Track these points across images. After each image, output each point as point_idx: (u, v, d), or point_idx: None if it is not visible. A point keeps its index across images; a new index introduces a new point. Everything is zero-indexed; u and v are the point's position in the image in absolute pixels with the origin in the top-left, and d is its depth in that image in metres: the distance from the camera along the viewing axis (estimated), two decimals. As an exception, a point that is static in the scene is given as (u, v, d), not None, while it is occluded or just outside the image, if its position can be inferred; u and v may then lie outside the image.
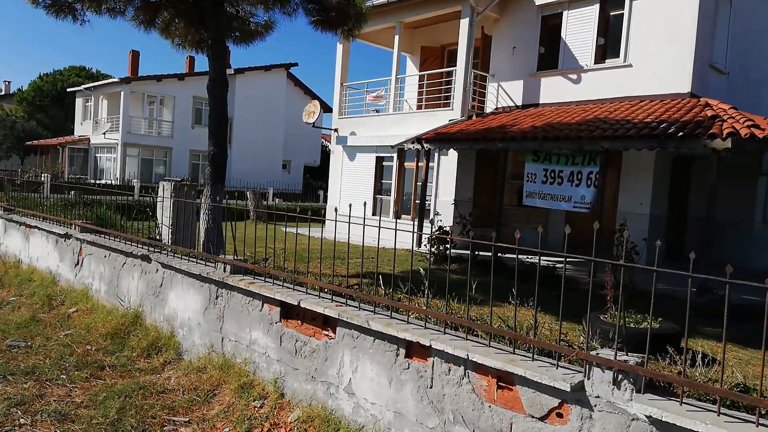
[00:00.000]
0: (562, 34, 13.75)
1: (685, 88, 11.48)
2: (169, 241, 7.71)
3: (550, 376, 2.80)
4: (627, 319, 4.90)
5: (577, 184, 10.11)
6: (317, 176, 41.96)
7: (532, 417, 2.90)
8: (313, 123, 19.14)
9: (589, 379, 2.73)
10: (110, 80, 34.70)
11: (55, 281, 7.88)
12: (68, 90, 39.95)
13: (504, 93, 15.03)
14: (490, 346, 3.21)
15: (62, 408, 4.31)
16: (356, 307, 4.06)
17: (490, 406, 3.08)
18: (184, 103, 34.43)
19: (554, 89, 13.79)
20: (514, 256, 3.20)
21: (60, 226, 8.04)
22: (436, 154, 14.22)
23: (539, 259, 3.08)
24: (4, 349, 5.58)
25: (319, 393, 4.10)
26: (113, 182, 28.90)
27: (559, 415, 2.80)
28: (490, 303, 3.37)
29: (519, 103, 14.54)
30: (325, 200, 28.42)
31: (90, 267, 7.30)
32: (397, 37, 16.51)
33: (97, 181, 28.29)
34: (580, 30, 13.46)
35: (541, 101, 14.04)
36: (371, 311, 3.95)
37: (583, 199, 9.97)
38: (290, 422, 4.01)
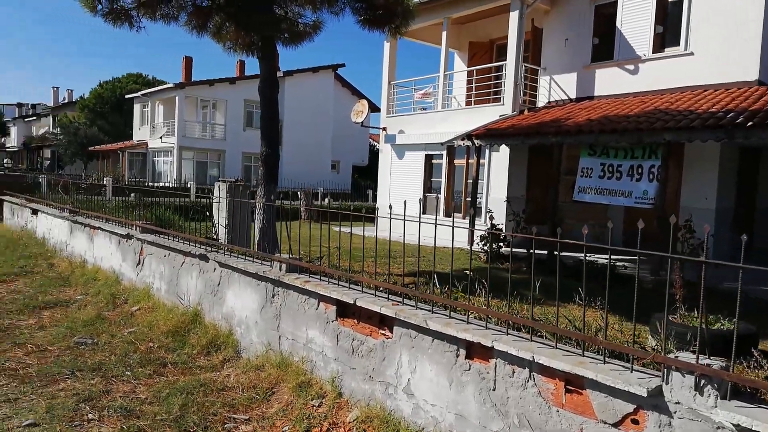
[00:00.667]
0: (618, 24, 13.26)
1: (752, 76, 10.86)
2: (225, 241, 7.85)
3: (624, 380, 2.65)
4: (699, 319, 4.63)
5: (638, 179, 9.71)
6: (365, 175, 42.15)
7: (605, 423, 2.76)
8: (362, 122, 19.19)
9: (667, 384, 2.56)
10: (165, 86, 35.85)
11: (118, 280, 8.16)
12: (126, 96, 41.57)
13: (556, 86, 14.63)
14: (556, 348, 3.08)
15: (127, 404, 4.42)
16: (413, 306, 3.99)
17: (558, 411, 2.95)
18: (235, 106, 35.23)
19: (610, 81, 13.33)
20: (570, 254, 3.06)
21: (122, 227, 8.33)
22: (487, 151, 13.98)
23: (609, 258, 2.92)
24: (72, 345, 5.80)
25: (378, 393, 4.06)
26: (170, 184, 29.88)
27: (635, 422, 2.65)
28: (556, 303, 3.24)
29: (572, 96, 14.12)
30: (374, 199, 28.47)
31: (151, 266, 7.52)
32: (444, 33, 16.33)
33: (156, 184, 29.30)
34: (636, 18, 12.95)
35: (595, 93, 13.59)
36: (429, 311, 3.88)
37: (645, 195, 9.57)
38: (349, 422, 3.97)
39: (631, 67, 12.95)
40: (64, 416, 4.16)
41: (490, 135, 12.18)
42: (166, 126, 35.02)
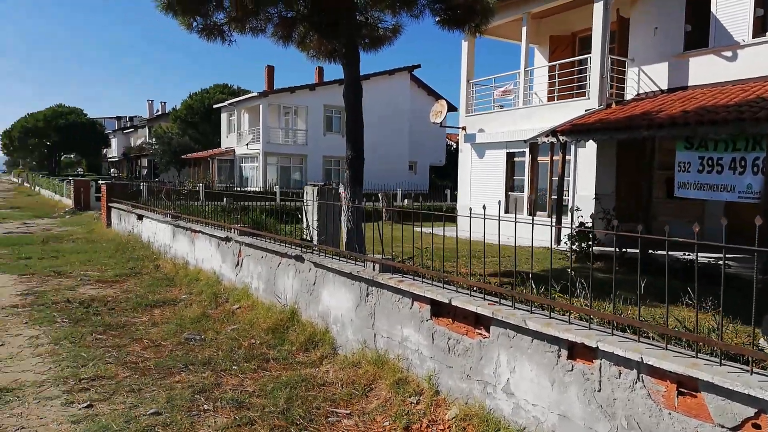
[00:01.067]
0: (712, 9, 12.51)
1: None
2: (316, 242, 8.15)
3: (744, 382, 2.56)
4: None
5: (741, 172, 9.12)
6: (443, 175, 42.05)
7: (722, 427, 2.66)
8: (441, 122, 19.20)
9: (792, 387, 2.45)
10: (250, 95, 37.48)
11: (218, 280, 8.68)
12: (214, 106, 43.83)
13: (645, 77, 14.00)
14: (667, 349, 3.00)
15: (237, 396, 4.73)
16: (510, 306, 4.01)
17: (669, 413, 2.88)
18: (315, 111, 36.26)
19: (705, 69, 12.59)
20: (670, 252, 2.96)
21: (221, 230, 8.85)
22: (573, 147, 13.60)
23: (724, 257, 2.82)
24: (182, 341, 6.24)
25: (476, 392, 4.10)
26: (256, 189, 31.16)
27: (756, 426, 2.55)
28: (666, 303, 3.16)
29: (663, 87, 13.46)
30: (452, 199, 28.34)
31: (249, 267, 7.94)
32: (524, 29, 16.05)
33: (243, 189, 30.70)
34: (733, 2, 12.16)
35: (689, 83, 12.89)
36: (527, 310, 3.88)
37: (750, 189, 8.98)
38: (448, 419, 4.05)
39: (729, 53, 12.17)
40: (182, 406, 4.51)
41: (577, 131, 11.85)
42: (252, 133, 36.61)
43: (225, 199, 14.22)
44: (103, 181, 19.94)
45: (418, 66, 40.41)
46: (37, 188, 42.50)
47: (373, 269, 5.38)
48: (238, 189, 30.71)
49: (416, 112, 38.24)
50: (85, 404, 4.50)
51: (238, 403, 4.59)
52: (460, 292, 4.47)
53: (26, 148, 64.76)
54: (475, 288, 4.44)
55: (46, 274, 9.91)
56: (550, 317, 3.71)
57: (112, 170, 64.18)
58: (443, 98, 29.70)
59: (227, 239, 8.60)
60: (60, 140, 60.39)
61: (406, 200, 26.27)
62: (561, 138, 12.07)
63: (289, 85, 36.29)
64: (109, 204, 16.48)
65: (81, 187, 24.92)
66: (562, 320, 3.63)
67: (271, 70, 39.32)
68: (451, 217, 14.25)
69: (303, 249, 6.72)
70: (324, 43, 11.51)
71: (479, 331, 4.16)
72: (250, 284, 7.84)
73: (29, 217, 21.62)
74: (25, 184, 52.47)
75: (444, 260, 5.35)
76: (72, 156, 73.02)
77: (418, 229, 4.87)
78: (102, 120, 70.84)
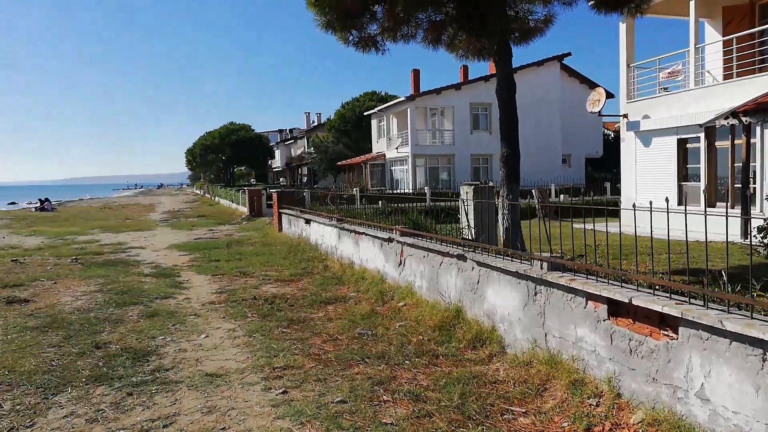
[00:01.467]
0: None
1: None
2: (474, 240, 8.21)
3: None
4: None
5: None
6: (600, 167, 39.61)
7: None
8: (599, 111, 18.16)
9: None
10: (397, 100, 38.57)
11: (383, 279, 9.11)
12: (364, 114, 45.81)
13: None
14: None
15: (413, 389, 4.95)
16: (701, 306, 3.72)
17: None
18: (461, 110, 36.26)
19: None
20: None
21: (382, 231, 9.28)
22: (758, 128, 12.08)
23: None
24: (356, 336, 6.67)
25: (663, 396, 3.87)
26: (407, 191, 31.98)
27: None
28: None
29: None
30: (613, 192, 26.58)
31: (411, 266, 8.24)
32: (692, 2, 14.60)
33: (394, 191, 31.71)
34: None
35: None
36: (722, 310, 3.58)
37: None
38: (633, 424, 3.87)
39: None
40: (364, 396, 4.84)
41: (763, 109, 10.52)
42: (400, 137, 37.66)
43: (379, 201, 14.83)
44: (274, 190, 21.90)
45: (569, 54, 38.50)
46: (216, 198, 47.81)
47: (541, 267, 5.31)
48: (390, 192, 31.80)
49: (568, 102, 36.49)
50: (280, 390, 5.03)
51: (415, 396, 4.81)
52: (640, 291, 4.25)
53: (205, 163, 73.13)
54: (657, 286, 4.19)
55: (233, 274, 11.16)
56: (752, 317, 3.39)
57: (281, 179, 69.99)
58: (599, 86, 28.00)
59: (389, 240, 8.99)
60: (232, 154, 67.28)
61: (561, 196, 25.20)
62: (744, 119, 10.79)
63: (434, 87, 36.75)
64: (280, 210, 18.06)
65: (254, 196, 27.58)
66: (766, 321, 3.29)
67: (416, 73, 40.11)
68: (612, 212, 13.48)
69: (464, 248, 6.81)
70: (473, 42, 11.50)
71: (665, 332, 3.92)
72: (413, 283, 8.12)
73: (213, 224, 24.44)
74: (206, 195, 59.26)
75: (612, 258, 5.11)
76: (243, 168, 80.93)
77: (577, 226, 4.71)
78: (267, 134, 77.58)
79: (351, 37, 10.99)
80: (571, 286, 4.80)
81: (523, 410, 4.43)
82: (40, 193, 59.97)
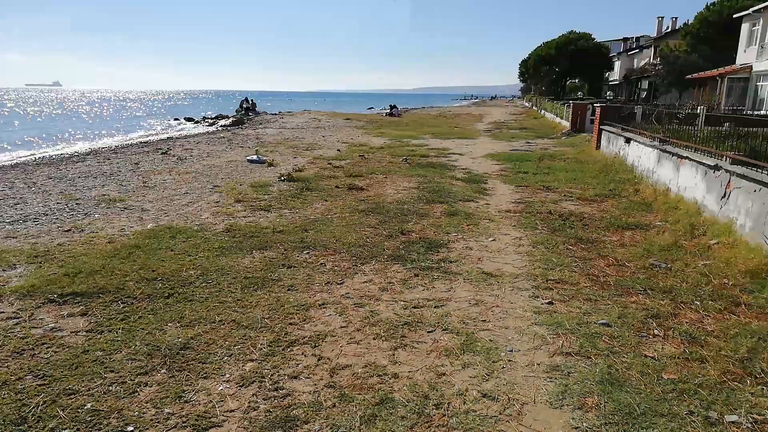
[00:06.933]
0: None
1: None
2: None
3: None
4: None
5: None
6: None
7: None
8: None
9: None
10: (782, -4, 30.65)
11: (699, 211, 8.00)
12: (734, 16, 37.96)
13: None
14: None
15: (692, 331, 4.45)
16: None
17: None
18: None
19: None
20: None
21: (710, 157, 8.01)
22: None
23: None
24: (646, 266, 6.17)
25: None
26: (773, 112, 26.05)
27: None
28: None
29: None
30: None
31: (737, 201, 7.01)
32: None
33: (755, 113, 26.18)
34: None
35: None
36: None
37: None
38: None
39: None
40: (632, 325, 4.58)
41: None
42: (777, 44, 30.26)
43: (726, 124, 12.54)
44: (598, 104, 20.56)
45: None
46: (542, 111, 47.30)
47: None
48: (749, 113, 26.34)
49: None
50: (546, 301, 5.13)
51: (692, 337, 4.34)
52: None
53: (538, 74, 72.12)
54: None
55: (537, 187, 11.25)
56: None
57: (608, 93, 64.98)
58: None
59: (716, 167, 7.74)
60: (567, 66, 64.60)
61: None
62: None
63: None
64: (601, 127, 16.98)
65: (578, 110, 26.37)
66: None
67: (818, -41, 30.85)
68: None
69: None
70: None
71: None
72: (734, 220, 6.93)
73: (532, 137, 24.52)
74: (534, 108, 59.09)
75: None
76: (576, 81, 77.36)
77: None
78: (608, 43, 71.62)
79: None
80: None
81: (834, 387, 3.59)
82: (392, 100, 69.19)
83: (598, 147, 16.93)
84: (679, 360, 3.97)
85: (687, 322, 4.65)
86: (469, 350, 4.14)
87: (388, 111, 46.46)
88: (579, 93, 66.14)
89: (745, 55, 35.31)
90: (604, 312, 4.86)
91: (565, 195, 10.39)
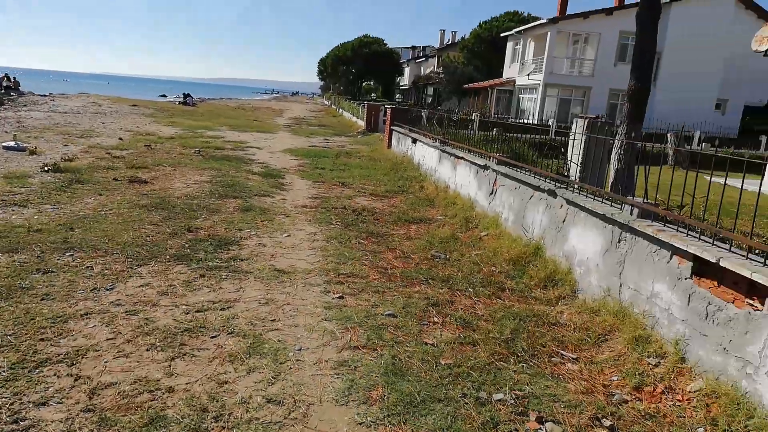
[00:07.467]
0: None
1: None
2: (576, 179, 7.61)
3: None
4: None
5: None
6: (761, 118, 34.76)
7: None
8: (765, 51, 15.59)
9: None
10: (538, 22, 35.88)
11: (472, 206, 8.86)
12: (501, 35, 43.30)
13: None
14: None
15: (466, 316, 4.84)
16: (801, 279, 3.15)
17: None
18: (609, 39, 33.00)
19: None
20: None
21: (480, 158, 8.90)
22: None
23: None
24: (429, 257, 6.61)
25: (731, 369, 3.42)
26: (531, 121, 30.37)
27: None
28: None
29: None
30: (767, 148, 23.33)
31: (501, 197, 7.88)
32: None
33: (518, 120, 30.23)
34: None
35: None
36: (825, 287, 3.00)
37: None
38: (689, 391, 3.49)
39: None
40: (415, 314, 4.82)
41: None
42: (534, 62, 35.35)
43: (494, 129, 14.14)
44: (389, 106, 21.77)
45: (749, -18, 33.00)
46: (340, 110, 48.79)
47: (631, 213, 4.81)
48: (513, 120, 30.36)
49: (740, 41, 31.71)
50: (337, 295, 5.16)
51: (466, 322, 4.71)
52: (734, 253, 3.70)
53: (336, 74, 74.19)
54: (755, 250, 3.61)
55: (333, 183, 11.44)
56: None
57: (398, 96, 69.55)
58: (776, 21, 23.97)
59: (485, 167, 8.62)
60: (362, 68, 67.51)
61: (703, 144, 22.60)
62: None
63: (582, 11, 33.59)
64: (392, 127, 17.98)
65: (372, 111, 27.69)
66: None
67: (564, -6, 36.77)
68: (755, 166, 11.91)
69: (558, 184, 6.35)
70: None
71: (750, 302, 3.40)
72: (500, 214, 7.80)
73: (330, 134, 25.07)
74: (333, 106, 60.64)
75: (730, 216, 4.45)
76: (371, 83, 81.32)
77: (716, 180, 4.10)
78: (400, 50, 76.55)
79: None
80: (657, 236, 4.30)
81: (575, 356, 4.17)
82: (187, 89, 64.96)
83: (389, 146, 17.88)
84: (454, 345, 4.26)
85: (462, 308, 5.04)
86: (255, 353, 3.93)
87: (182, 100, 43.57)
88: (373, 95, 69.49)
89: (509, 70, 40.53)
90: (390, 303, 5.04)
91: (359, 191, 10.72)
